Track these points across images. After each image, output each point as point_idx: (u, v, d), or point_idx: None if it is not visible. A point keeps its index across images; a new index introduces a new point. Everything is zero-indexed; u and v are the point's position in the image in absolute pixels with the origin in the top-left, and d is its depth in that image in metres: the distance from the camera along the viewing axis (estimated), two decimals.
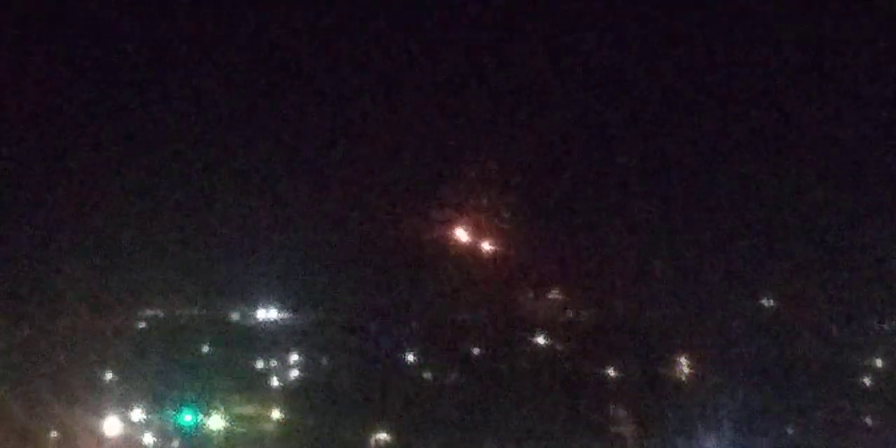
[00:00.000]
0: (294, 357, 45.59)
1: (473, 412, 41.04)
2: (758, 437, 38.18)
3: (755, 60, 40.16)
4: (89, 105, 41.77)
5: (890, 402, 39.98)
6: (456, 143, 41.04)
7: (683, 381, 41.90)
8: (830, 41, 38.87)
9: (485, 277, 42.16)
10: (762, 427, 38.39)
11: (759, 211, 41.01)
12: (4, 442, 38.75)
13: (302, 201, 42.15)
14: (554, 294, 44.53)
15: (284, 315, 45.58)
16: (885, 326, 41.64)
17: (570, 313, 44.46)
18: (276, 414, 44.15)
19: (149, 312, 45.48)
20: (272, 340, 45.20)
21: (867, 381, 41.45)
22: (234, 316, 45.98)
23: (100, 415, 40.95)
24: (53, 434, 39.97)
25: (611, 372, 42.90)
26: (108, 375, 43.06)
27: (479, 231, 41.28)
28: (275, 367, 45.58)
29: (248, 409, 44.13)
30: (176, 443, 42.42)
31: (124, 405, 41.92)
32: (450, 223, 41.31)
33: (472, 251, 41.15)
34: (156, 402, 42.40)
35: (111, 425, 41.04)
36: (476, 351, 43.94)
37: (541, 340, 43.78)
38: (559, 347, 43.83)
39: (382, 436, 42.01)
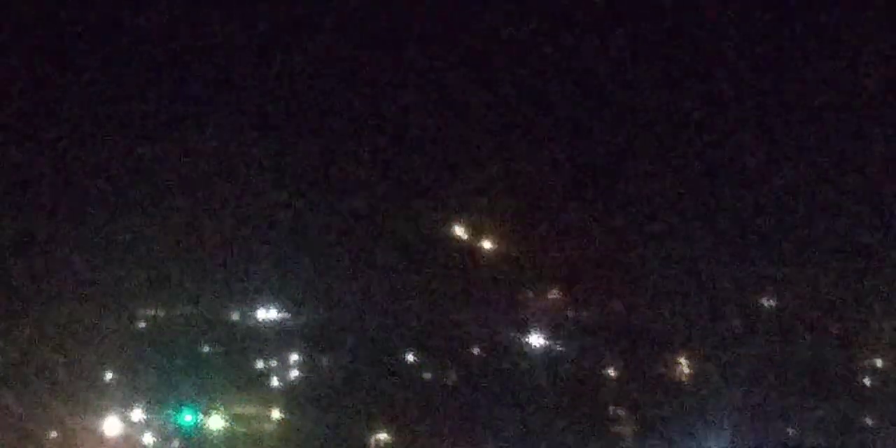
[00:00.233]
0: (294, 357, 45.54)
1: (473, 412, 41.03)
2: (758, 437, 38.17)
3: (756, 60, 40.18)
4: (90, 104, 41.81)
5: (890, 402, 39.96)
6: (456, 142, 41.07)
7: (683, 381, 41.90)
8: (833, 40, 38.89)
9: (485, 277, 42.20)
10: (762, 427, 38.38)
11: (759, 211, 41.02)
12: (4, 442, 38.76)
13: (302, 201, 42.16)
14: (554, 294, 44.54)
15: (284, 315, 45.55)
16: (885, 326, 41.60)
17: (570, 313, 44.44)
18: (276, 414, 44.13)
19: (149, 312, 45.46)
20: (272, 340, 45.16)
21: (867, 381, 41.42)
22: (234, 316, 45.94)
23: (100, 415, 40.96)
24: (53, 434, 39.98)
25: (611, 372, 42.89)
26: (108, 375, 43.05)
27: (479, 231, 41.31)
28: (275, 367, 45.54)
29: (248, 409, 44.10)
30: (176, 443, 42.41)
31: (124, 405, 41.92)
32: (450, 223, 41.35)
33: (472, 251, 41.18)
34: (156, 402, 42.39)
35: (111, 425, 41.05)
36: (476, 351, 43.91)
37: (541, 340, 43.75)
38: (559, 347, 43.81)
39: (382, 436, 42.01)
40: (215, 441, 42.59)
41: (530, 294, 44.63)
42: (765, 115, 40.95)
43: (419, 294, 43.22)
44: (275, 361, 45.62)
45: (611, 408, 41.95)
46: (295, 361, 45.63)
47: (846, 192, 40.20)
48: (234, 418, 43.35)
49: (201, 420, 42.31)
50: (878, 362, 41.75)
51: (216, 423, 42.82)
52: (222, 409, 43.02)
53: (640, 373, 42.39)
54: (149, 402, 42.42)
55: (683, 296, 41.81)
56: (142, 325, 45.36)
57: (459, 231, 41.33)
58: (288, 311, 45.44)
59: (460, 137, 41.00)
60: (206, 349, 45.00)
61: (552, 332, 43.83)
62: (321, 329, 44.83)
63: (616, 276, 42.51)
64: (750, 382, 38.99)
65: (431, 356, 43.95)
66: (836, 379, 40.69)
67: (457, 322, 43.63)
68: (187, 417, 41.84)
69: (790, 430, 39.49)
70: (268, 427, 43.92)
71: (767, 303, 42.66)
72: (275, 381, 45.44)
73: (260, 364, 45.50)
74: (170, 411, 42.08)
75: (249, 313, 45.61)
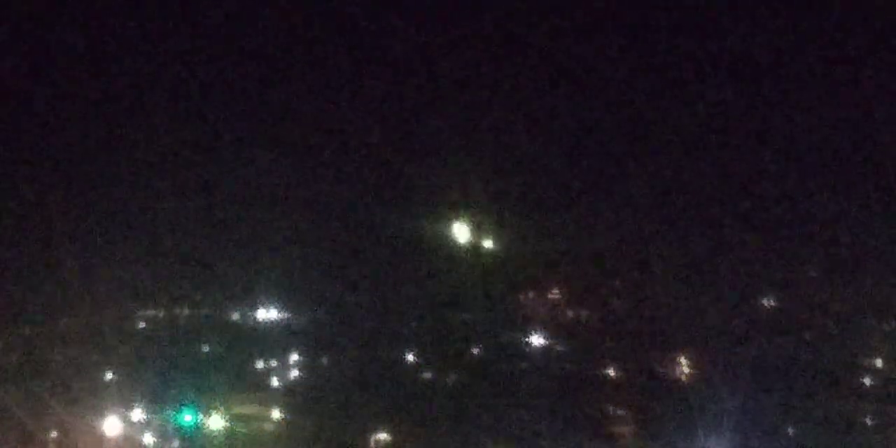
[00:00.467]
0: (294, 357, 45.60)
1: (473, 412, 41.03)
2: (758, 437, 38.16)
3: (755, 59, 40.18)
4: (91, 105, 41.82)
5: (890, 402, 39.97)
6: (457, 143, 41.07)
7: (683, 381, 41.91)
8: (836, 39, 38.91)
9: (485, 277, 42.20)
10: (762, 427, 38.37)
11: (760, 211, 41.02)
12: (4, 442, 38.78)
13: (302, 201, 42.16)
14: (554, 294, 44.55)
15: (284, 315, 45.57)
16: (885, 326, 41.60)
17: (570, 313, 44.45)
18: (276, 414, 44.17)
19: (149, 312, 45.50)
20: (272, 340, 45.19)
21: (867, 381, 41.42)
22: (234, 316, 45.97)
23: (100, 415, 40.97)
24: (53, 434, 40.01)
25: (611, 372, 42.90)
26: (108, 375, 43.08)
27: (479, 231, 41.31)
28: (275, 367, 45.59)
29: (248, 409, 44.14)
30: (176, 443, 42.44)
31: (124, 405, 41.94)
32: (450, 223, 41.35)
33: (472, 251, 41.18)
34: (156, 402, 42.41)
35: (111, 425, 41.07)
36: (476, 351, 43.93)
37: (541, 340, 43.76)
38: (559, 347, 43.82)
39: (382, 436, 42.02)
40: (215, 441, 42.60)
41: (530, 294, 44.66)
42: (765, 114, 40.96)
43: (419, 294, 43.23)
44: (275, 361, 45.66)
45: (611, 408, 41.95)
46: (295, 361, 45.67)
47: (846, 191, 40.21)
48: (234, 418, 43.38)
49: (201, 420, 42.32)
50: (878, 362, 41.75)
51: (216, 423, 42.84)
52: (222, 409, 43.04)
53: (640, 373, 42.39)
54: (149, 402, 42.45)
55: (683, 296, 41.80)
56: (142, 325, 45.39)
57: (459, 231, 41.31)
58: (288, 311, 45.46)
59: (461, 137, 41.00)
60: (206, 349, 45.04)
61: (552, 332, 43.84)
62: (321, 329, 44.85)
63: (616, 275, 42.52)
64: (750, 382, 38.96)
65: (431, 356, 43.97)
66: (836, 379, 40.67)
67: (457, 322, 43.65)
68: (187, 417, 41.85)
69: (790, 430, 39.48)
70: (268, 427, 43.96)
71: (767, 303, 42.66)
72: (275, 381, 45.49)
73: (260, 364, 45.54)
74: (170, 411, 42.10)
75: (249, 313, 45.64)
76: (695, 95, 41.05)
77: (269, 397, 44.49)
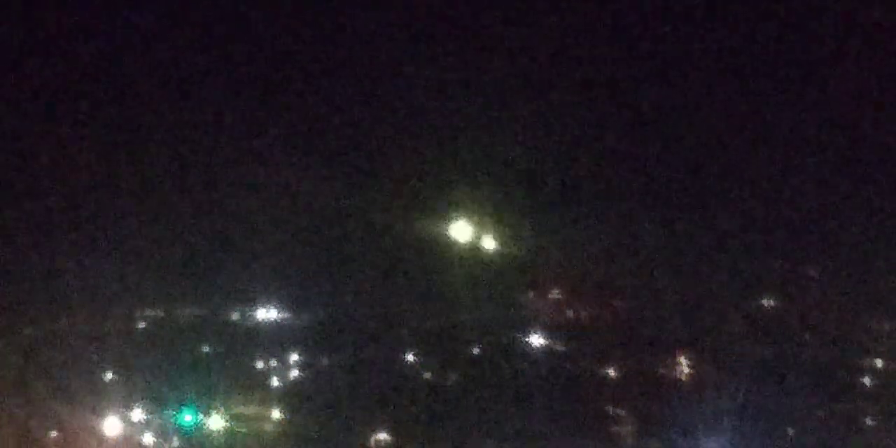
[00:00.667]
0: (294, 357, 45.58)
1: (473, 412, 41.03)
2: (758, 437, 38.16)
3: (756, 58, 40.15)
4: (88, 104, 41.77)
5: (890, 402, 39.96)
6: (457, 142, 41.03)
7: (683, 381, 41.89)
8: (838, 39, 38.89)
9: (485, 277, 42.16)
10: (762, 427, 38.37)
11: (759, 210, 41.00)
12: (4, 442, 38.76)
13: (302, 201, 42.12)
14: (554, 294, 44.53)
15: (284, 315, 45.56)
16: (885, 326, 41.59)
17: (570, 313, 44.44)
18: (276, 414, 44.17)
19: (149, 312, 45.48)
20: (272, 340, 45.18)
21: (867, 381, 41.41)
22: (234, 316, 45.95)
23: (100, 415, 40.96)
24: (53, 434, 40.00)
25: (611, 372, 42.89)
26: (108, 375, 43.07)
27: (479, 230, 41.28)
28: (275, 367, 45.57)
29: (248, 409, 44.14)
30: (176, 443, 42.43)
31: (124, 405, 41.94)
32: (450, 222, 41.31)
33: (472, 250, 41.15)
34: (156, 402, 42.41)
35: (111, 425, 41.06)
36: (476, 351, 43.92)
37: (541, 340, 43.75)
38: (559, 347, 43.82)
39: (382, 436, 42.02)
40: (215, 441, 42.60)
41: (530, 294, 44.64)
42: (765, 113, 40.93)
43: (419, 294, 43.23)
44: (275, 361, 45.65)
45: (611, 408, 41.95)
46: (295, 361, 45.65)
47: (846, 191, 40.18)
48: (234, 418, 43.37)
49: (201, 420, 42.32)
50: (878, 362, 41.74)
51: (216, 423, 42.84)
52: (222, 409, 43.04)
53: (640, 373, 42.38)
54: (149, 402, 42.44)
55: (683, 296, 41.79)
56: (142, 325, 45.38)
57: (459, 231, 41.29)
58: (288, 311, 45.45)
59: (461, 137, 40.97)
60: (206, 349, 45.03)
61: (552, 332, 43.84)
62: (321, 329, 44.85)
63: (616, 276, 42.49)
64: (750, 383, 38.95)
65: (431, 356, 43.97)
66: (836, 379, 40.67)
67: (457, 322, 43.64)
68: (187, 417, 41.85)
69: (790, 430, 39.47)
70: (268, 427, 43.96)
71: (767, 303, 42.65)
72: (275, 381, 45.48)
73: (260, 364, 45.53)
74: (170, 411, 42.09)
75: (249, 313, 45.62)
76: (695, 94, 41.03)
77: (269, 397, 44.48)
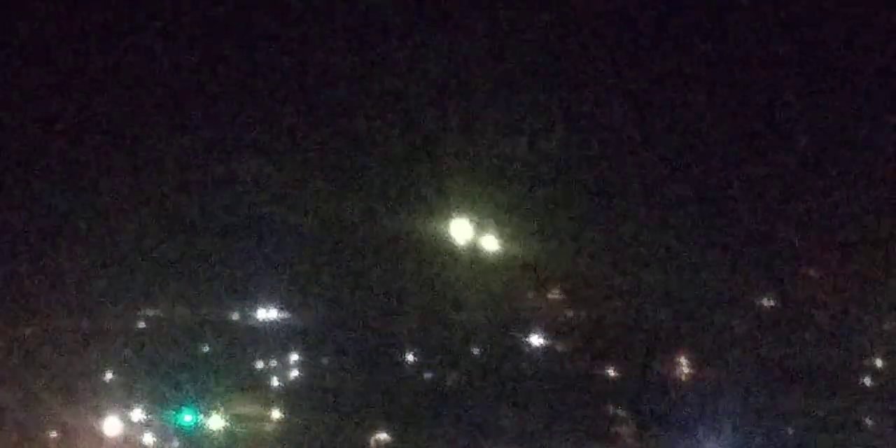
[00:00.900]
0: (294, 357, 45.62)
1: (473, 412, 41.04)
2: (758, 437, 38.16)
3: (756, 58, 40.16)
4: (88, 105, 41.80)
5: (890, 402, 39.95)
6: (457, 142, 41.03)
7: (683, 381, 41.90)
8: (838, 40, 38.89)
9: (485, 277, 42.17)
10: (762, 427, 38.37)
11: (759, 210, 41.01)
12: (4, 442, 38.77)
13: (302, 200, 42.13)
14: (554, 294, 44.53)
15: (284, 315, 45.60)
16: (885, 326, 41.59)
17: (570, 313, 44.44)
18: (276, 414, 44.19)
19: (149, 312, 45.52)
20: (272, 340, 45.21)
21: (867, 381, 41.41)
22: (234, 316, 45.98)
23: (100, 415, 40.98)
24: (53, 434, 40.01)
25: (611, 372, 42.89)
26: (108, 375, 43.10)
27: (479, 230, 41.26)
28: (275, 367, 45.61)
29: (248, 409, 44.15)
30: (176, 443, 42.44)
31: (124, 405, 41.96)
32: (450, 223, 41.30)
33: (472, 250, 41.14)
34: (156, 402, 42.42)
35: (111, 425, 41.07)
36: (476, 351, 43.93)
37: (541, 340, 43.76)
38: (559, 347, 43.82)
39: (382, 436, 42.02)
40: (215, 441, 42.61)
41: (530, 294, 44.64)
42: (765, 114, 40.94)
43: (419, 294, 43.23)
44: (275, 361, 45.69)
45: (611, 408, 41.95)
46: (295, 361, 45.69)
47: (846, 191, 40.19)
48: (234, 418, 43.40)
49: (201, 420, 42.33)
50: (878, 362, 41.73)
51: (216, 423, 42.85)
52: (222, 409, 43.06)
53: (640, 373, 42.38)
54: (149, 402, 42.46)
55: (683, 296, 41.80)
56: (142, 325, 45.41)
57: (459, 231, 41.28)
58: (288, 311, 45.48)
59: (461, 137, 40.97)
60: (206, 349, 45.06)
61: (552, 332, 43.84)
62: (321, 329, 44.86)
63: (616, 276, 42.49)
64: (750, 383, 38.96)
65: (431, 356, 43.97)
66: (836, 379, 40.67)
67: (457, 322, 43.65)
68: (187, 417, 41.85)
69: (790, 430, 39.48)
70: (268, 427, 43.98)
71: (767, 303, 42.66)
72: (275, 381, 45.51)
73: (260, 364, 45.57)
74: (170, 411, 42.10)
75: (249, 313, 45.66)
76: (695, 94, 41.02)
77: (269, 397, 44.50)
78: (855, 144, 39.97)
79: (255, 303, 45.24)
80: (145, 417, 42.48)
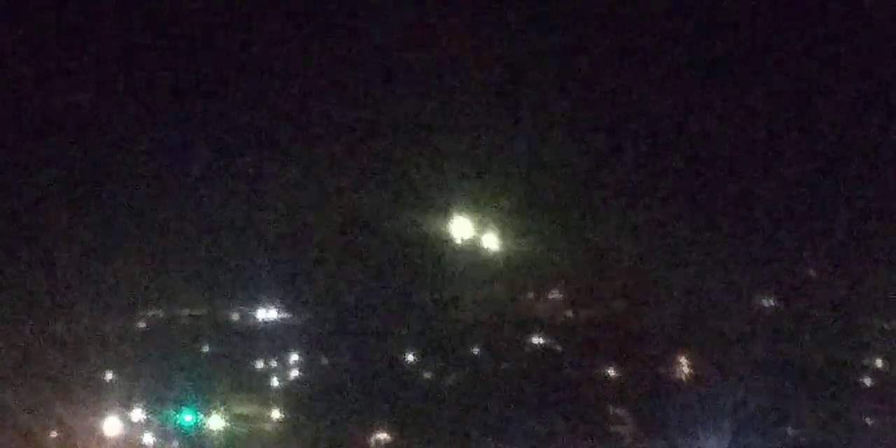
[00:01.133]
0: (294, 357, 45.60)
1: (473, 412, 41.04)
2: (758, 437, 38.17)
3: (756, 57, 40.18)
4: (90, 104, 41.81)
5: (890, 402, 39.97)
6: (457, 142, 41.05)
7: (683, 381, 41.91)
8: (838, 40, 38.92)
9: (485, 277, 42.21)
10: (762, 427, 38.38)
11: (759, 211, 41.02)
12: (4, 442, 38.76)
13: (302, 200, 42.16)
14: (554, 294, 44.55)
15: (284, 315, 45.60)
16: (885, 326, 41.62)
17: (570, 313, 44.46)
18: (276, 414, 44.18)
19: (149, 312, 45.51)
20: (272, 340, 45.21)
21: (867, 381, 41.43)
22: (234, 316, 45.99)
23: (100, 415, 40.97)
24: (53, 434, 39.99)
25: (611, 372, 42.91)
26: (108, 375, 43.08)
27: (479, 230, 41.30)
28: (275, 367, 45.59)
29: (248, 409, 44.15)
30: (176, 443, 42.44)
31: (124, 405, 41.95)
32: (451, 222, 41.34)
33: (472, 250, 41.17)
34: (156, 402, 42.43)
35: (111, 425, 41.07)
36: (476, 351, 43.93)
37: (541, 340, 43.77)
38: (559, 347, 43.84)
39: (382, 436, 42.02)
40: (215, 441, 42.62)
41: (530, 294, 44.67)
42: (765, 114, 40.96)
43: (419, 294, 43.25)
44: (275, 361, 45.68)
45: (611, 408, 41.95)
46: (295, 361, 45.68)
47: (846, 191, 40.22)
48: (234, 418, 43.41)
49: (201, 420, 42.36)
50: (878, 362, 41.76)
51: (216, 423, 42.87)
52: (222, 409, 43.07)
53: (640, 373, 42.40)
54: (149, 402, 42.46)
55: (683, 296, 41.82)
56: (142, 325, 45.41)
57: (460, 230, 41.31)
58: (288, 311, 45.48)
59: (461, 137, 40.99)
60: (206, 349, 45.06)
61: (552, 332, 43.86)
62: (321, 329, 44.86)
63: (616, 276, 42.50)
64: (750, 382, 38.97)
65: (431, 356, 43.98)
66: (836, 379, 40.68)
67: (457, 322, 43.66)
68: (187, 417, 41.88)
69: (790, 430, 39.49)
70: (268, 427, 43.98)
71: (767, 303, 42.67)
72: (275, 381, 45.50)
73: (260, 364, 45.55)
74: (170, 411, 42.11)
75: (249, 313, 45.67)
76: (694, 94, 41.06)
77: (269, 397, 44.50)
78: (855, 144, 40.02)
79: (255, 303, 45.26)
80: (145, 417, 42.48)
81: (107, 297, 41.94)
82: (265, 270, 43.23)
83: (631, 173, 41.57)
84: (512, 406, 40.75)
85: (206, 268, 42.83)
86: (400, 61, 41.08)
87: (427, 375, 44.01)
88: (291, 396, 44.42)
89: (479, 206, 41.43)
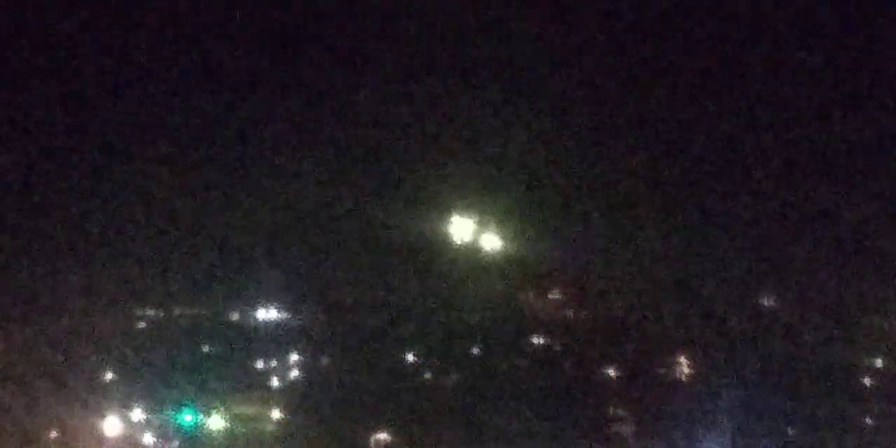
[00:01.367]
0: (294, 357, 45.56)
1: (473, 412, 41.03)
2: (758, 437, 38.17)
3: (757, 61, 40.22)
4: (90, 105, 41.82)
5: (890, 402, 39.97)
6: (457, 142, 41.06)
7: (683, 381, 41.91)
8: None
9: (485, 277, 42.20)
10: (762, 427, 38.39)
11: (759, 211, 41.03)
12: (4, 442, 38.76)
13: (302, 200, 42.15)
14: (554, 294, 44.53)
15: (284, 315, 45.58)
16: (885, 326, 41.62)
17: (570, 313, 44.44)
18: (276, 414, 44.14)
19: (149, 312, 45.48)
20: (272, 340, 45.18)
21: (867, 381, 41.43)
22: (234, 316, 45.95)
23: (100, 415, 40.99)
24: (53, 434, 39.99)
25: (611, 372, 42.90)
26: (108, 375, 43.07)
27: (479, 230, 41.31)
28: (275, 367, 45.56)
29: (248, 409, 44.12)
30: (176, 443, 42.43)
31: (124, 405, 41.95)
32: (450, 223, 41.35)
33: (472, 250, 41.18)
34: (156, 402, 42.41)
35: (111, 425, 41.08)
36: (476, 351, 43.91)
37: (541, 340, 43.76)
38: (559, 347, 43.82)
39: (382, 436, 42.01)
40: (215, 441, 42.60)
41: (530, 294, 44.65)
42: (766, 114, 40.97)
43: (419, 294, 43.22)
44: (275, 361, 45.63)
45: (611, 408, 41.95)
46: (295, 361, 45.64)
47: (846, 191, 40.22)
48: (234, 418, 43.37)
49: (201, 420, 42.33)
50: (878, 362, 41.76)
51: (216, 423, 42.84)
52: (222, 409, 43.04)
53: (640, 373, 42.39)
54: (149, 402, 42.44)
55: (683, 296, 41.80)
56: (142, 325, 45.38)
57: (460, 230, 41.32)
58: (288, 311, 45.46)
59: (461, 137, 41.00)
60: (206, 349, 45.01)
61: (552, 332, 43.84)
62: (321, 329, 44.84)
63: (616, 276, 42.50)
64: (750, 382, 38.98)
65: (431, 356, 43.95)
66: (836, 379, 40.68)
67: (457, 322, 43.63)
68: (187, 417, 41.86)
69: (790, 430, 39.49)
70: (268, 427, 43.95)
71: (767, 303, 42.67)
72: (275, 381, 45.46)
73: (260, 364, 45.51)
74: (170, 411, 42.10)
75: (249, 313, 45.63)
76: (694, 93, 41.08)
77: (269, 397, 44.47)
78: (855, 145, 40.03)
79: (255, 303, 45.22)
80: (145, 417, 42.47)
81: (107, 298, 41.95)
82: (265, 270, 43.24)
83: (631, 173, 41.58)
84: (512, 406, 40.72)
85: (206, 268, 42.81)
86: (400, 61, 41.11)
87: (427, 375, 43.97)
88: (291, 396, 44.38)
89: (479, 206, 41.45)
